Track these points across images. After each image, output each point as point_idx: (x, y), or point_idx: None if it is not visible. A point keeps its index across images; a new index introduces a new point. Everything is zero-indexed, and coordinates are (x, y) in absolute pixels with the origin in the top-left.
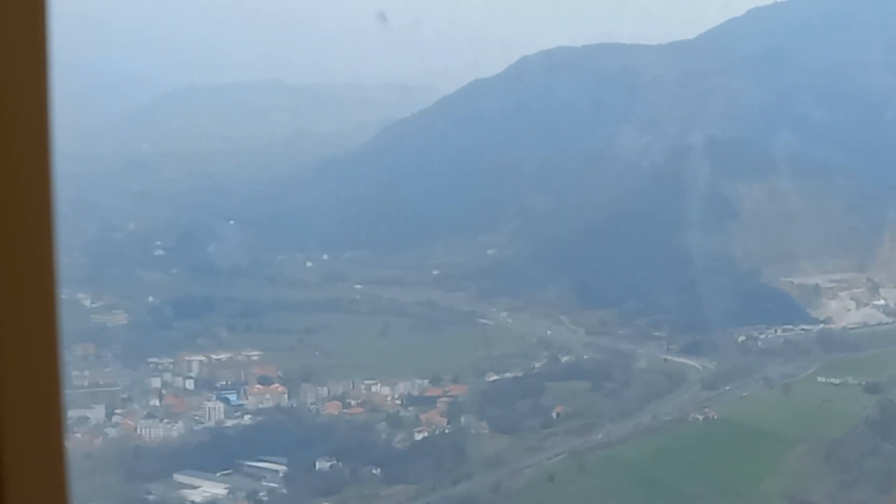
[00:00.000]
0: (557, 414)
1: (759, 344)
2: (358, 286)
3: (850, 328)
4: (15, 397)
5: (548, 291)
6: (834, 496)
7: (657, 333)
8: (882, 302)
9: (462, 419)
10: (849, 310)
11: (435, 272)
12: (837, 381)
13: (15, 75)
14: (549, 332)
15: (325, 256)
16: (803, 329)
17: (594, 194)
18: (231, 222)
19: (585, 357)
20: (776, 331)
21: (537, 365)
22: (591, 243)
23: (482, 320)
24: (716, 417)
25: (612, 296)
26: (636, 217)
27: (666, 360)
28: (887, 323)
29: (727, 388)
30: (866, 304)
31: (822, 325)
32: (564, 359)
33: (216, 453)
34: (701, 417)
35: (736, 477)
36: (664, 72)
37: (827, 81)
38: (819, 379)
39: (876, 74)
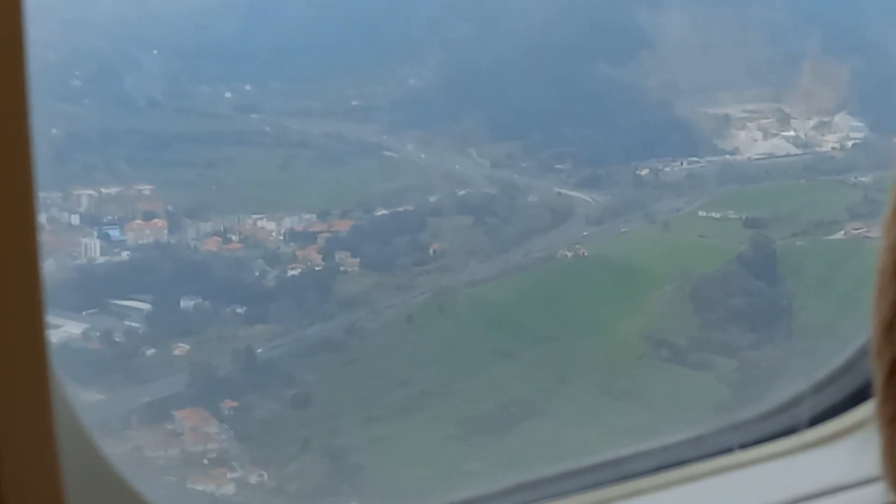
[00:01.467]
0: (434, 251)
1: (661, 177)
2: (269, 117)
3: (756, 159)
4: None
5: (458, 124)
6: (694, 335)
7: (559, 166)
8: (792, 133)
9: (336, 256)
10: (756, 140)
11: (354, 103)
12: (718, 216)
13: None
14: (455, 166)
15: (248, 87)
16: (709, 161)
17: (516, 25)
18: (154, 52)
19: (481, 191)
20: (682, 163)
21: (431, 199)
22: (503, 75)
23: (387, 153)
24: (586, 254)
25: (520, 128)
26: (548, 48)
27: (559, 193)
28: (794, 154)
29: (610, 223)
30: (775, 135)
31: (727, 157)
32: (461, 193)
33: (86, 291)
34: (570, 254)
35: (596, 316)
36: None
37: None
38: (700, 213)
39: None
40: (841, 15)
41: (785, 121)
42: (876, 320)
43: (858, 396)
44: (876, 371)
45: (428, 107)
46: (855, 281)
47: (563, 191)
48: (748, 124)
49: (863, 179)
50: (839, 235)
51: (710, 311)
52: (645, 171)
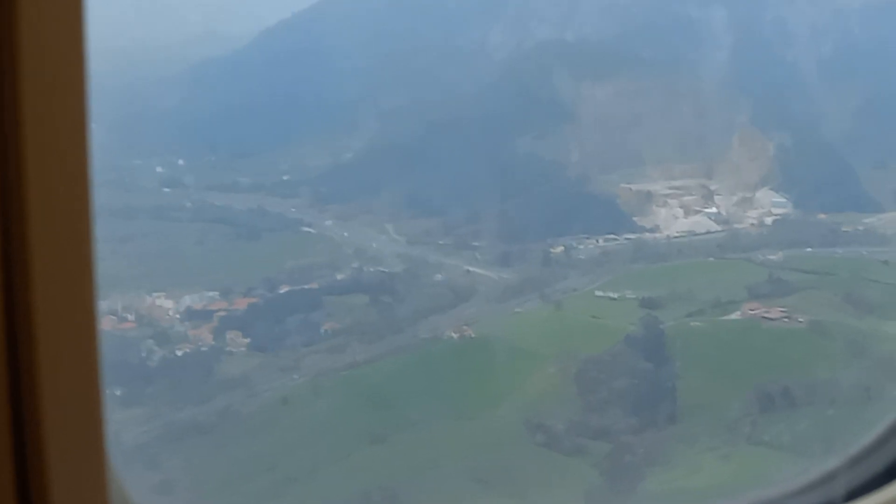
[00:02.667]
0: (325, 331)
1: (574, 255)
2: (194, 192)
3: (675, 237)
4: (55, 396)
5: (380, 198)
6: (573, 419)
7: (476, 243)
8: (714, 210)
9: (227, 335)
10: (677, 217)
11: (285, 177)
12: (615, 296)
13: (53, 73)
14: (371, 243)
15: (181, 161)
16: (627, 238)
17: (446, 97)
18: (91, 125)
19: (388, 270)
20: (598, 240)
21: (339, 277)
22: (429, 149)
23: (305, 228)
24: (473, 335)
25: (440, 204)
26: (474, 121)
27: (468, 271)
28: (714, 231)
29: (509, 302)
30: (698, 212)
31: (647, 234)
32: (369, 270)
33: None
34: (456, 335)
35: (475, 399)
36: None
37: None
38: (597, 293)
39: None
40: (771, 88)
41: (708, 197)
42: None
43: (894, 471)
44: None
45: (354, 180)
46: (745, 362)
47: (472, 269)
48: (670, 201)
49: (771, 257)
50: (735, 316)
51: (592, 394)
52: (559, 249)
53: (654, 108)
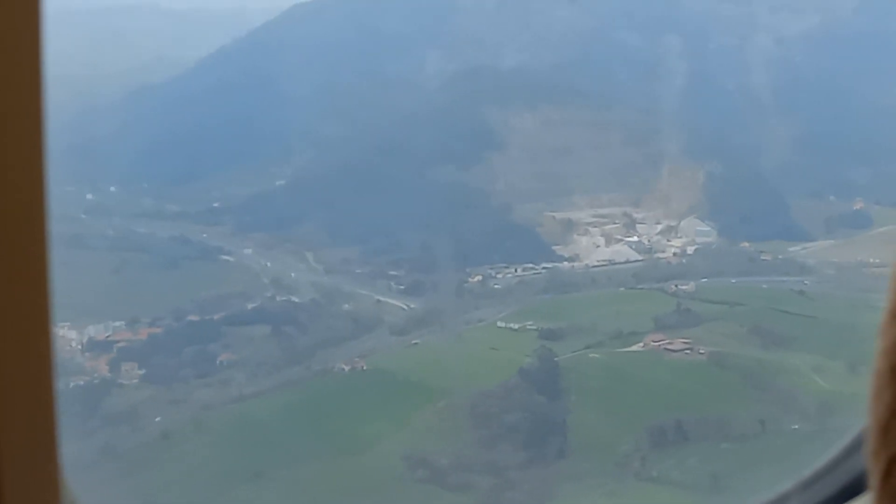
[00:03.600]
0: (221, 362)
1: (490, 284)
2: (118, 220)
3: (594, 266)
4: (8, 403)
5: (303, 227)
6: (459, 454)
7: (393, 272)
8: (635, 238)
9: (123, 367)
10: (598, 246)
11: (216, 204)
12: (517, 327)
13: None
14: (290, 272)
15: (113, 188)
16: (545, 267)
17: (376, 125)
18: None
19: (298, 299)
20: (516, 270)
21: (250, 307)
22: (352, 177)
23: (224, 257)
24: (365, 368)
25: (362, 233)
26: (401, 149)
27: (378, 301)
28: (634, 261)
29: (413, 333)
30: (619, 241)
31: (565, 263)
32: (279, 299)
33: None
34: (347, 368)
35: (359, 434)
36: None
37: (652, 7)
38: (499, 324)
39: (706, 1)
40: (709, 118)
41: (631, 226)
42: (872, 422)
43: (845, 494)
44: (872, 471)
45: (280, 208)
46: (641, 396)
47: (383, 299)
48: (591, 230)
49: (683, 288)
50: (637, 347)
51: (482, 429)
52: (477, 278)
53: (585, 138)
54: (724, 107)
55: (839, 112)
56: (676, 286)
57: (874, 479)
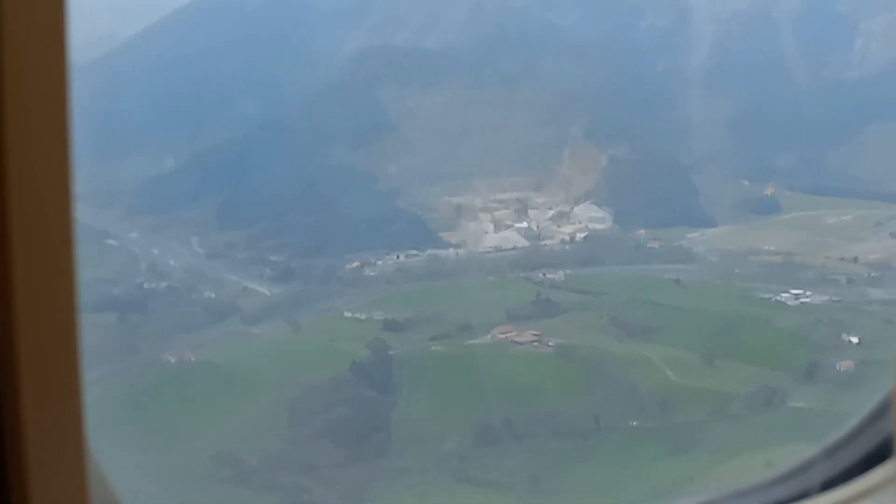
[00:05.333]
0: None
1: (369, 271)
2: None
3: (480, 253)
4: (36, 395)
5: (193, 210)
6: (274, 452)
7: (273, 258)
8: (524, 224)
9: None
10: (487, 233)
11: (109, 186)
12: (363, 317)
13: (35, 78)
14: (169, 257)
15: None
16: (430, 254)
17: (277, 105)
18: None
19: (163, 285)
20: (398, 256)
21: (115, 292)
22: (247, 158)
23: (109, 241)
24: (193, 360)
25: (251, 216)
26: (295, 130)
27: (245, 288)
28: (521, 247)
29: (262, 323)
30: (509, 227)
31: (451, 250)
32: (147, 286)
33: None
34: (174, 360)
35: (171, 430)
36: None
37: None
38: (346, 314)
39: None
40: (624, 99)
41: (522, 212)
42: None
43: (870, 461)
44: None
45: (173, 191)
46: (476, 390)
47: (251, 286)
48: (481, 215)
49: (551, 276)
50: (483, 339)
51: (303, 425)
52: (354, 265)
53: (493, 119)
54: (651, 88)
55: (770, 94)
56: (544, 275)
57: None
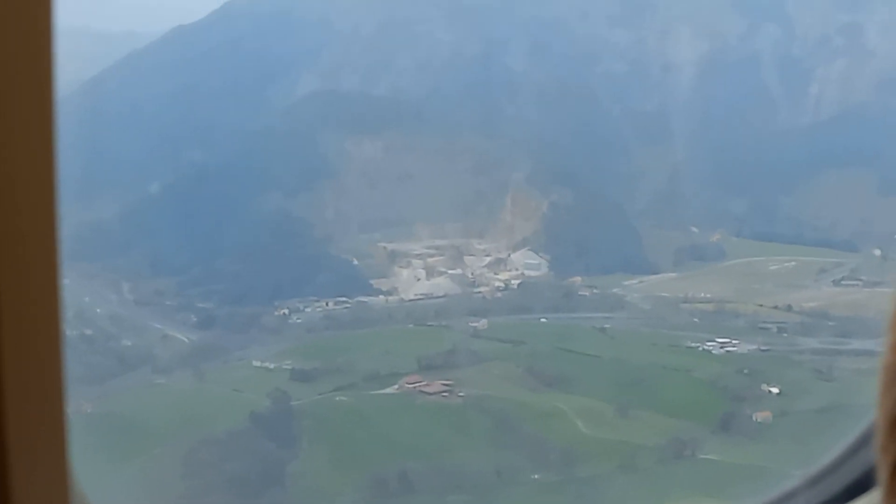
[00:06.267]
0: None
1: (296, 318)
2: None
3: (410, 300)
4: (18, 394)
5: (128, 255)
6: None
7: (202, 304)
8: (458, 271)
9: None
10: (419, 279)
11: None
12: (272, 366)
13: (18, 76)
14: (96, 305)
15: None
16: (359, 301)
17: (229, 151)
18: None
19: (85, 333)
20: (327, 303)
21: None
22: (183, 203)
23: None
24: (90, 411)
25: (183, 262)
26: (232, 175)
27: (166, 335)
28: (452, 295)
29: (177, 372)
30: (442, 273)
31: (381, 297)
32: (68, 333)
33: None
34: (69, 411)
35: None
36: (363, 19)
37: (543, 32)
38: (255, 363)
39: (597, 25)
40: (577, 144)
41: (458, 258)
42: (881, 416)
43: (853, 490)
44: (881, 466)
45: (112, 237)
46: (378, 442)
47: (171, 333)
48: (414, 262)
49: (474, 325)
50: (391, 389)
51: (196, 477)
52: (283, 312)
53: (430, 166)
54: (604, 133)
55: (725, 140)
56: (468, 323)
57: (883, 475)
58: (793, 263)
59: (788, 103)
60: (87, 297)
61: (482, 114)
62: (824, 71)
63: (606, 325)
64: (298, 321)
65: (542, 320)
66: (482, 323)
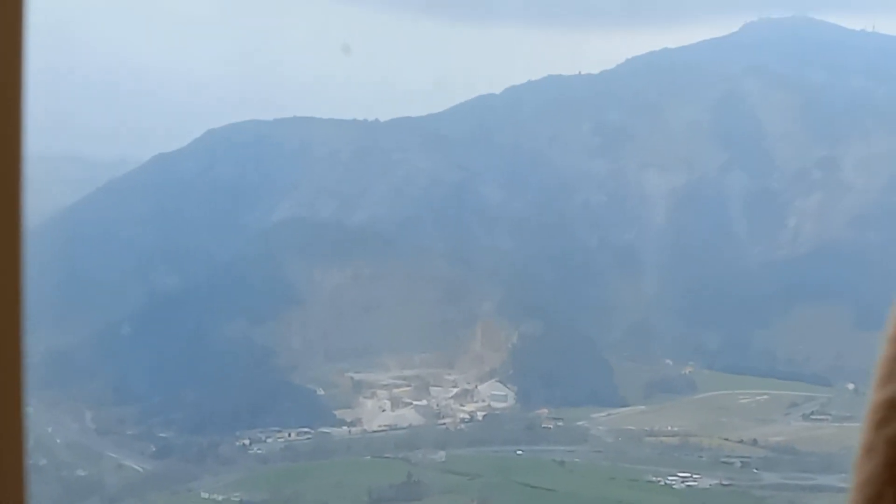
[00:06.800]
0: None
1: (257, 448)
2: None
3: (372, 431)
4: None
5: (94, 382)
6: None
7: (162, 434)
8: (424, 402)
9: None
10: (384, 410)
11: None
12: (220, 498)
13: None
14: (56, 434)
15: None
16: (321, 432)
17: (199, 277)
18: None
19: (39, 463)
20: (289, 434)
21: None
22: (151, 330)
23: None
24: None
25: (146, 390)
26: (200, 303)
27: (121, 465)
28: (415, 426)
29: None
30: (408, 405)
31: (344, 428)
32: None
33: None
34: None
35: None
36: (342, 146)
37: (521, 162)
38: (203, 495)
39: (576, 156)
40: (531, 274)
41: (423, 389)
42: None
43: None
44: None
45: (78, 363)
46: None
47: (127, 463)
48: (379, 392)
49: (431, 457)
50: None
51: None
52: (244, 442)
53: (399, 294)
54: (579, 264)
55: (702, 273)
56: (426, 455)
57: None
58: (765, 397)
59: (765, 236)
60: (49, 426)
61: (455, 242)
62: (802, 203)
63: (570, 458)
64: (259, 451)
65: (499, 453)
66: (440, 455)
